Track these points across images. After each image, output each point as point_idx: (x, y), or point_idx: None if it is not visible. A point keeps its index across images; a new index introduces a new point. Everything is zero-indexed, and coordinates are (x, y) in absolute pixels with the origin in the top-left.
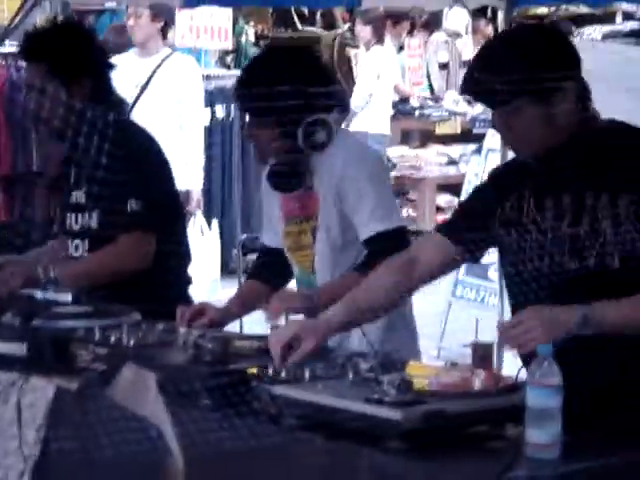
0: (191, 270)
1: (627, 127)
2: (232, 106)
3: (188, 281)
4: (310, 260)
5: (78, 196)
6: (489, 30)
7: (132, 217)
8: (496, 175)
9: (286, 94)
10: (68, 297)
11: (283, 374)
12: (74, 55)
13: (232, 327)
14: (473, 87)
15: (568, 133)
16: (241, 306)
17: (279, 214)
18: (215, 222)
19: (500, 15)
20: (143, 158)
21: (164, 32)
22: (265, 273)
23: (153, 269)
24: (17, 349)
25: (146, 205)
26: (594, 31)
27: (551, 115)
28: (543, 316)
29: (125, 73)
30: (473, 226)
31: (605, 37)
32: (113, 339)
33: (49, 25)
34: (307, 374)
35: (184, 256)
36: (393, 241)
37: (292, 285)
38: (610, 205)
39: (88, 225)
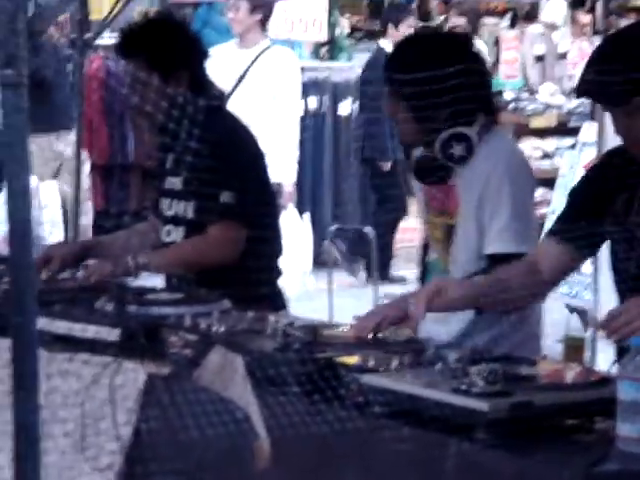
0: (282, 262)
1: None
2: (325, 98)
3: (278, 272)
4: (441, 256)
5: (173, 182)
6: (587, 21)
7: (223, 208)
8: (603, 168)
9: (450, 82)
10: (160, 283)
11: (371, 363)
12: (168, 49)
13: (322, 315)
14: (591, 88)
15: None
16: None
17: (423, 199)
18: (307, 215)
19: (599, 6)
20: (238, 148)
21: (263, 24)
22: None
23: (244, 259)
24: (110, 334)
25: (238, 197)
26: None
27: None
28: None
29: (225, 64)
30: (588, 225)
31: None
32: (203, 326)
33: (142, 20)
34: (395, 363)
35: (275, 247)
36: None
37: None
38: None
39: (182, 212)
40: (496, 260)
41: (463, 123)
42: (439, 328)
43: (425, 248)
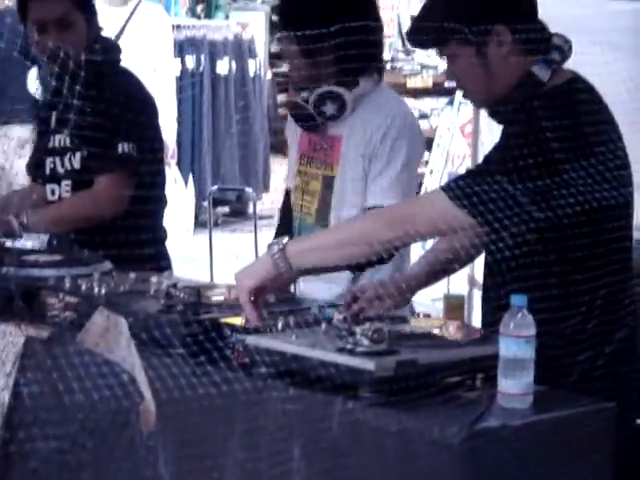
0: (165, 222)
1: (577, 89)
2: (202, 57)
3: (164, 232)
4: (310, 207)
5: (60, 139)
6: None
7: (121, 158)
8: None
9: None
10: (39, 244)
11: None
12: None
13: (205, 277)
14: (412, 35)
15: (508, 84)
16: None
17: (296, 150)
18: (188, 174)
19: None
20: (135, 102)
21: None
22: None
23: (129, 214)
24: None
25: (137, 148)
26: None
27: (485, 60)
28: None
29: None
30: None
31: None
32: (84, 288)
33: None
34: (280, 324)
35: (161, 206)
36: None
37: None
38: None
39: (69, 168)
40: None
41: (353, 76)
42: (321, 286)
43: (285, 212)
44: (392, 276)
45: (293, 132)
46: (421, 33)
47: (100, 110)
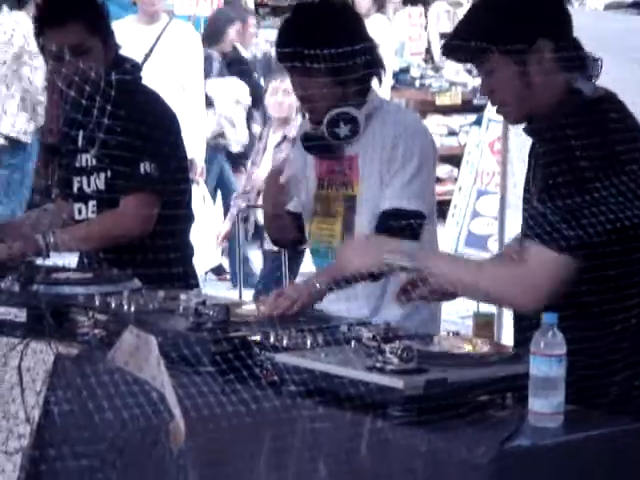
0: (193, 239)
1: (613, 105)
2: None
3: (191, 250)
4: (332, 230)
5: (86, 159)
6: None
7: (143, 178)
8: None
9: (337, 47)
10: (68, 263)
11: (285, 341)
12: (102, 15)
13: (232, 294)
14: (449, 47)
15: (549, 100)
16: None
17: (311, 175)
18: (218, 192)
19: None
20: (157, 119)
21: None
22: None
23: (156, 236)
24: (17, 315)
25: (159, 167)
26: (596, 2)
27: (526, 75)
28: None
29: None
30: None
31: (607, 7)
32: (113, 306)
33: None
34: (309, 341)
35: (187, 224)
36: (407, 222)
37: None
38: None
39: (95, 188)
40: (389, 216)
41: (362, 96)
42: (348, 305)
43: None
44: None
45: (300, 159)
46: (461, 46)
47: (122, 130)
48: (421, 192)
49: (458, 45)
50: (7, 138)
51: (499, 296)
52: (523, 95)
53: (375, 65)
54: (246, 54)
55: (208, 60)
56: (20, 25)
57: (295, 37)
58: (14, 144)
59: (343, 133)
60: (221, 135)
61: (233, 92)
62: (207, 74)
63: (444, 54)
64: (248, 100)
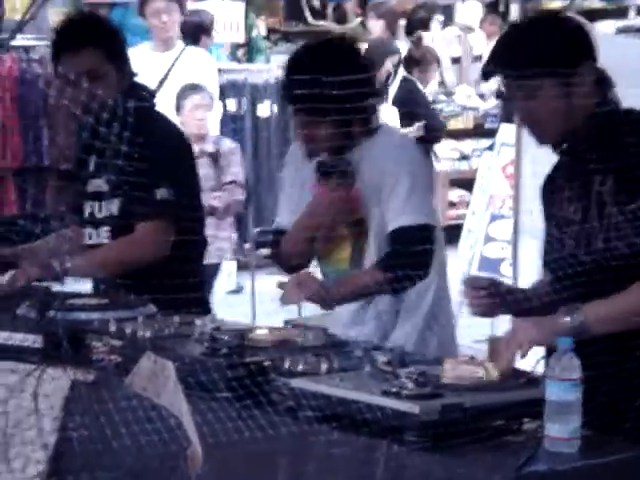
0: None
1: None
2: (243, 100)
3: (203, 271)
4: (339, 254)
5: (98, 185)
6: (502, 24)
7: (159, 205)
8: (546, 182)
9: (337, 91)
10: (84, 288)
11: (300, 367)
12: (118, 42)
13: (245, 318)
14: (498, 67)
15: (583, 117)
16: None
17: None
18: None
19: (514, 8)
20: (172, 147)
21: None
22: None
23: (171, 262)
24: (33, 341)
25: (175, 194)
26: (607, 26)
27: (569, 99)
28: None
29: (141, 67)
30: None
31: (619, 32)
32: (128, 331)
33: (77, 17)
34: (324, 367)
35: (201, 250)
36: (417, 237)
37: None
38: (616, 193)
39: (108, 213)
40: (398, 235)
41: (364, 126)
42: (358, 329)
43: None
44: None
45: (298, 176)
46: (509, 66)
47: (137, 156)
48: (421, 205)
49: (506, 63)
50: None
51: None
52: (564, 117)
53: (377, 98)
54: None
55: None
56: None
57: (297, 81)
58: None
59: (373, 125)
60: None
61: None
62: None
63: (486, 72)
64: None
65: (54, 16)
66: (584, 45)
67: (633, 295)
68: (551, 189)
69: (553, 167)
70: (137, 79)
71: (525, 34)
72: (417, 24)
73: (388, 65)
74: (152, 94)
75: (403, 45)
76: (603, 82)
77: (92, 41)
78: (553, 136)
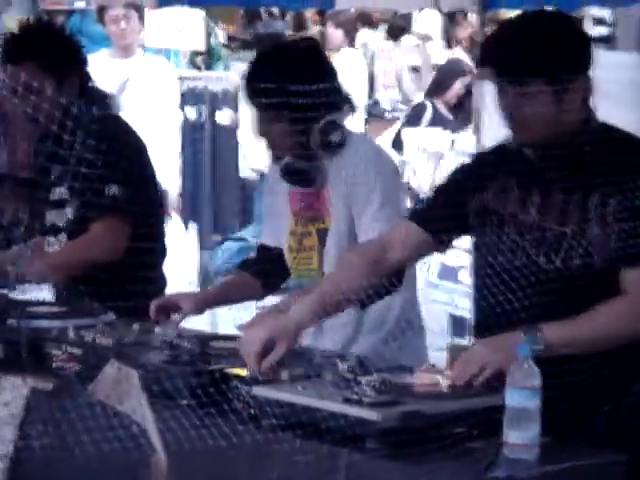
0: (168, 272)
1: (619, 131)
2: (203, 107)
3: (164, 281)
4: (310, 263)
5: (59, 192)
6: (463, 34)
7: (110, 201)
8: (480, 160)
9: (300, 89)
10: (42, 296)
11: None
12: (61, 53)
13: (207, 325)
14: (497, 59)
15: (569, 129)
16: (220, 294)
17: (287, 211)
18: (192, 225)
19: (472, 19)
20: (124, 148)
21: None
22: (258, 268)
23: (128, 268)
24: None
25: (125, 190)
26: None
27: (561, 106)
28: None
29: (100, 73)
30: (446, 213)
31: None
32: (88, 339)
33: (28, 25)
34: (286, 375)
35: (160, 255)
36: None
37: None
38: (598, 207)
39: (63, 220)
40: None
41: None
42: (324, 337)
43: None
44: None
45: (277, 193)
46: (506, 60)
47: (91, 159)
48: (393, 215)
49: (505, 59)
50: None
51: (620, 335)
52: (553, 121)
53: (338, 102)
54: None
55: None
56: None
57: (259, 79)
58: None
59: (334, 139)
60: None
61: None
62: None
63: (486, 65)
64: None
65: (10, 22)
66: (586, 55)
67: (599, 318)
68: (488, 178)
69: (492, 155)
70: (96, 84)
71: (530, 29)
72: None
73: (458, 86)
74: (110, 98)
75: (359, 56)
76: (590, 94)
77: (29, 55)
78: (535, 139)
